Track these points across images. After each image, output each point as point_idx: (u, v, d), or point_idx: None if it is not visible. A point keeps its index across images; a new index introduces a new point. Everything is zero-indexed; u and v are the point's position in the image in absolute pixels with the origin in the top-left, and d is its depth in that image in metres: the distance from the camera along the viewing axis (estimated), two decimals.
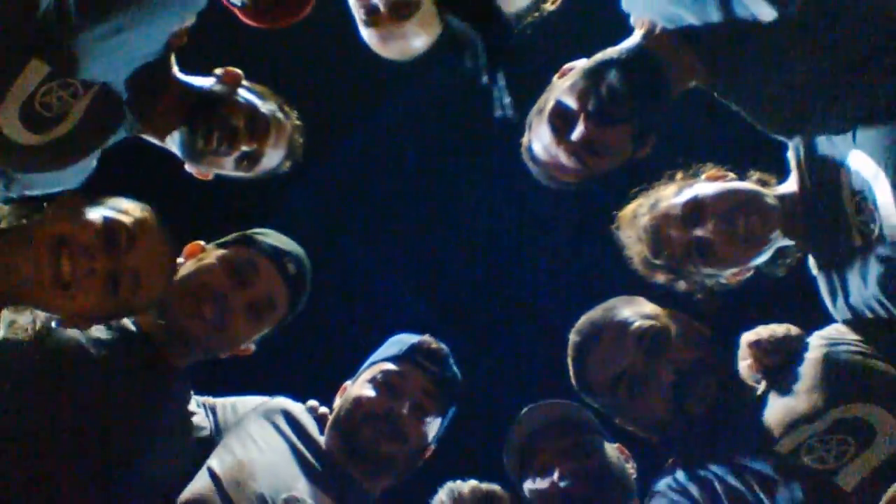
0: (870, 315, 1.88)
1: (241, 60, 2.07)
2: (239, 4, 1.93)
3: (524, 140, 2.14)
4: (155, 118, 1.98)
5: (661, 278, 2.04)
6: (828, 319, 2.00)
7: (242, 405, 2.22)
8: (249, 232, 2.16)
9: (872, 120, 1.79)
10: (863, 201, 1.84)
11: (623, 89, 1.91)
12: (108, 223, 1.74)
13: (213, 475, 1.95)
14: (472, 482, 2.17)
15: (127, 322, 1.99)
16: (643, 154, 2.05)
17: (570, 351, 2.12)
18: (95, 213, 1.76)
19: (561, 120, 1.99)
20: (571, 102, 1.97)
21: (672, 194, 2.02)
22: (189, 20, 1.89)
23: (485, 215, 3.51)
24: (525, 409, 2.23)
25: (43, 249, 1.67)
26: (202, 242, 2.11)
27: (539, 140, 2.07)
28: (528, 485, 2.11)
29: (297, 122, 2.18)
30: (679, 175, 2.08)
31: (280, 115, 2.11)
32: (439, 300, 3.37)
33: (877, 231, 1.81)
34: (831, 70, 1.77)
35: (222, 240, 2.14)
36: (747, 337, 2.04)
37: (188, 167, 2.10)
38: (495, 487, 2.16)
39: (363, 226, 3.55)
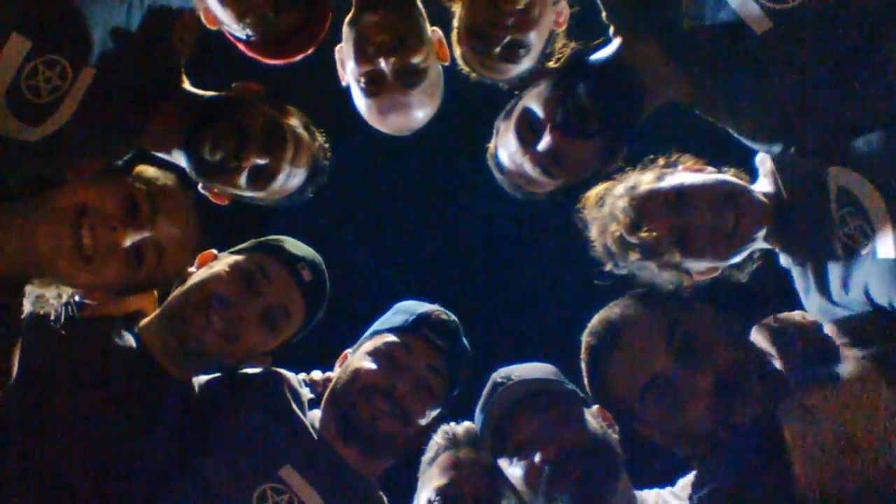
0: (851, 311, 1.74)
1: (246, 70, 1.96)
2: (244, 38, 1.82)
3: (490, 146, 2.05)
4: (155, 123, 1.88)
5: (632, 256, 1.82)
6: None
7: (232, 382, 2.08)
8: (263, 239, 2.09)
9: (862, 130, 1.70)
10: (849, 216, 1.68)
11: (593, 102, 1.81)
12: (130, 191, 1.66)
13: (186, 469, 1.86)
14: (466, 423, 2.09)
15: (128, 337, 1.91)
16: (612, 167, 1.95)
17: (584, 356, 1.88)
18: (116, 182, 1.67)
19: (527, 128, 1.90)
20: (539, 111, 1.88)
21: (654, 178, 1.85)
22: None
23: (483, 214, 3.51)
24: (496, 382, 2.00)
25: (63, 221, 1.58)
26: (214, 251, 2.05)
27: (505, 147, 1.97)
28: (506, 465, 1.90)
29: (324, 144, 2.06)
30: (659, 161, 1.93)
31: (303, 132, 1.98)
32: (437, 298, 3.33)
33: (868, 249, 1.64)
34: (818, 82, 1.69)
35: (236, 248, 2.07)
36: (762, 328, 1.85)
37: (201, 189, 1.99)
38: None
39: (362, 225, 3.58)
